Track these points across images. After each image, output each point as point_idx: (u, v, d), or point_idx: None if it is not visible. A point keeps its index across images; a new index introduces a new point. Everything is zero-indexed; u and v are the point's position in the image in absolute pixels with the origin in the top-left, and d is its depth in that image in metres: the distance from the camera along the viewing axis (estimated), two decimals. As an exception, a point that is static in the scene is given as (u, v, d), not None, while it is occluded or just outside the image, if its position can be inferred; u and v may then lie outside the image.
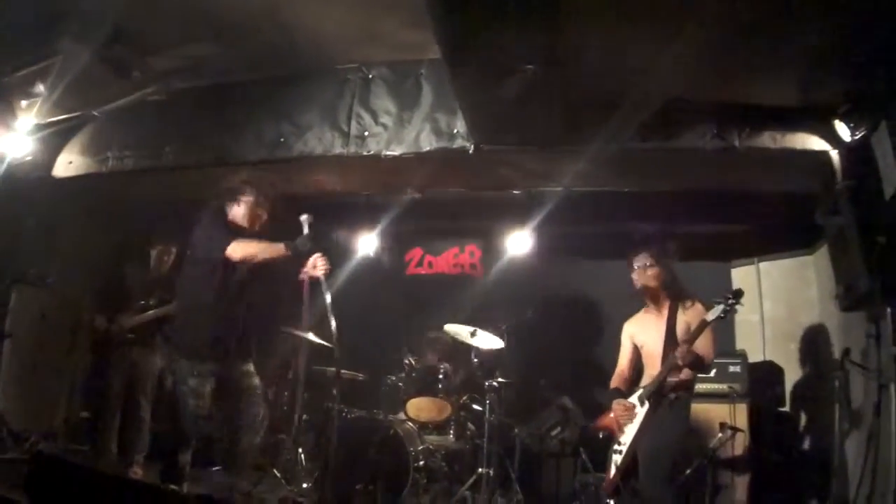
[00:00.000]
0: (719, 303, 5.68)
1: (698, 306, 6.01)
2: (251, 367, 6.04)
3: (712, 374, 6.97)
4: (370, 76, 7.21)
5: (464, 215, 9.37)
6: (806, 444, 7.69)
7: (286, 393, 8.53)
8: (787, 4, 4.70)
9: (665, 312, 6.09)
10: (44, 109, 6.93)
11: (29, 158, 7.49)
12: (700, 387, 6.55)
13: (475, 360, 8.05)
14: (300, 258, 5.60)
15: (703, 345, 5.77)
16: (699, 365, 5.79)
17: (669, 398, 5.85)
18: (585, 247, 9.46)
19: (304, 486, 7.40)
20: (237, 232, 5.81)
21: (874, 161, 5.72)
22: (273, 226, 6.06)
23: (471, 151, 6.77)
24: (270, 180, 6.23)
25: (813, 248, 8.08)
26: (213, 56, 6.94)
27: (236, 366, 5.92)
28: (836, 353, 7.14)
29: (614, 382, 6.29)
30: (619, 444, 6.03)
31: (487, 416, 7.56)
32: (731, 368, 7.69)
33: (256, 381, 6.03)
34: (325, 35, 6.66)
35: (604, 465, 6.35)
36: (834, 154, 6.20)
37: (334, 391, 8.23)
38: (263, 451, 7.42)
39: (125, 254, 8.62)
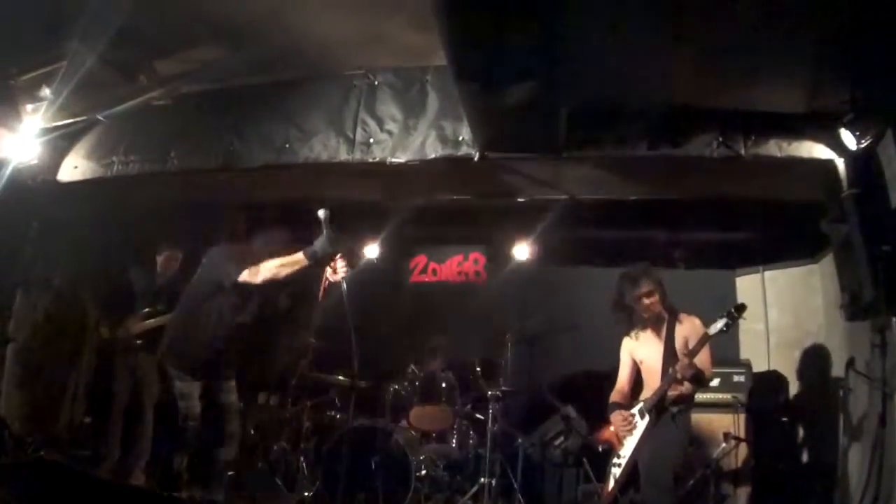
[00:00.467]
0: (721, 317, 5.67)
1: (694, 320, 6.00)
2: (232, 383, 6.08)
3: (716, 383, 6.96)
4: (376, 82, 7.21)
5: (468, 223, 9.37)
6: (809, 454, 7.66)
7: (289, 400, 8.50)
8: (788, 8, 4.70)
9: (663, 328, 6.07)
10: (49, 113, 6.92)
11: (34, 162, 7.49)
12: (704, 397, 6.54)
13: (478, 369, 8.04)
14: (324, 261, 5.56)
15: (701, 359, 5.75)
16: (699, 379, 5.77)
17: (671, 412, 5.82)
18: (590, 254, 9.44)
19: (306, 494, 7.39)
20: (244, 253, 5.82)
21: (880, 169, 5.72)
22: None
23: (476, 159, 6.75)
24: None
25: (818, 256, 8.06)
26: (219, 60, 6.94)
27: (218, 382, 5.94)
28: (841, 362, 7.09)
29: (614, 398, 6.25)
30: (619, 456, 6.00)
31: (490, 425, 7.55)
32: (736, 378, 7.67)
33: (234, 397, 6.09)
34: (331, 39, 6.66)
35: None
36: (840, 162, 6.17)
37: (336, 400, 8.31)
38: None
39: (130, 259, 8.63)
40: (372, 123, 7.12)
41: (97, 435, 8.15)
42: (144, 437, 7.61)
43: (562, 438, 8.07)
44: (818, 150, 6.26)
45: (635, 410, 5.96)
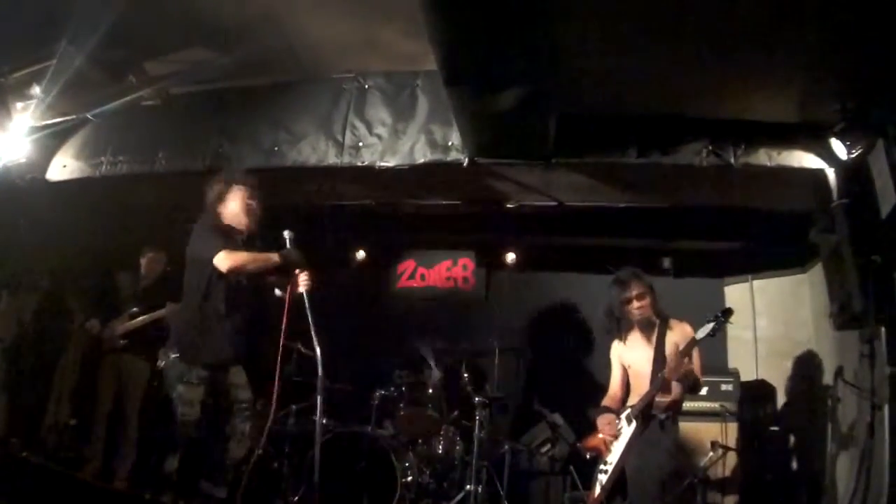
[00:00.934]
0: (709, 321, 5.65)
1: (685, 326, 5.96)
2: (244, 379, 5.99)
3: (704, 392, 6.94)
4: (366, 86, 7.21)
5: (457, 228, 9.35)
6: (797, 464, 7.65)
7: (272, 404, 8.45)
8: (781, 13, 4.70)
9: (654, 333, 6.03)
10: (39, 112, 6.91)
11: (23, 161, 7.47)
12: (692, 405, 6.53)
13: (465, 375, 8.00)
14: (290, 268, 5.57)
15: (691, 366, 5.73)
16: (690, 383, 5.74)
17: (658, 418, 5.79)
18: (579, 261, 9.42)
19: (291, 499, 7.34)
20: (230, 236, 5.78)
21: (870, 180, 5.72)
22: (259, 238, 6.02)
23: (465, 164, 6.75)
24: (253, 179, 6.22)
25: (807, 266, 8.06)
26: (209, 61, 6.94)
27: (228, 375, 5.88)
28: (830, 372, 7.10)
29: (605, 402, 6.21)
30: (606, 463, 5.93)
31: (477, 431, 7.50)
32: (724, 387, 7.66)
33: (248, 394, 5.98)
34: (323, 43, 6.67)
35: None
36: (830, 172, 6.20)
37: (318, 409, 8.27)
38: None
39: (117, 260, 8.60)
40: (361, 127, 7.11)
41: (82, 436, 8.10)
42: (129, 440, 7.57)
43: (549, 446, 8.05)
44: (808, 160, 6.28)
45: (622, 416, 5.93)
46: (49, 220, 8.51)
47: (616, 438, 5.86)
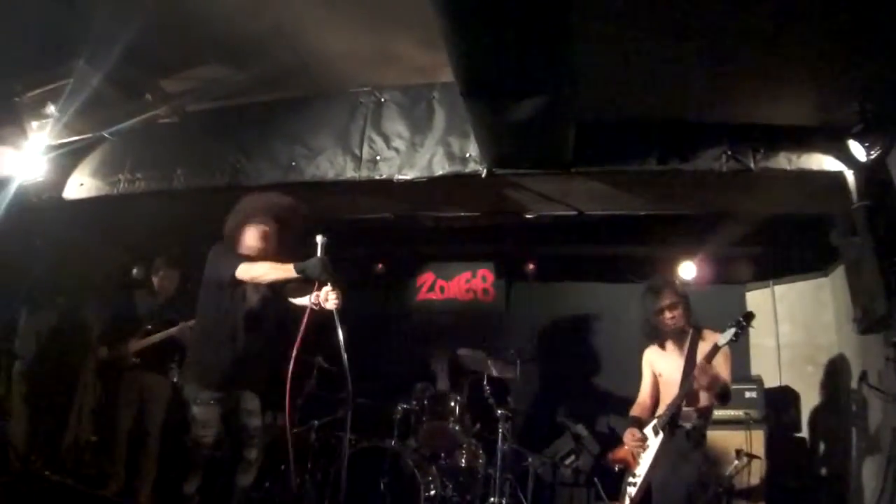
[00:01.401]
0: (731, 326, 5.62)
1: (717, 335, 5.92)
2: (256, 406, 6.00)
3: (727, 399, 6.92)
4: (382, 100, 7.20)
5: (476, 239, 9.34)
6: (823, 470, 7.60)
7: (296, 420, 8.44)
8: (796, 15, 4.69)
9: (686, 343, 6.01)
10: (55, 130, 6.93)
11: (40, 180, 7.50)
12: (716, 413, 6.46)
13: (487, 387, 7.98)
14: (310, 281, 5.45)
15: (721, 372, 5.69)
16: (720, 391, 5.69)
17: (685, 428, 5.76)
18: (600, 270, 9.40)
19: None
20: (249, 258, 5.79)
21: (890, 181, 5.68)
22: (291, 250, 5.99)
23: (483, 175, 6.72)
24: (285, 203, 6.20)
25: (829, 270, 8.01)
26: (226, 78, 6.94)
27: (242, 399, 5.88)
28: (854, 376, 7.06)
29: (635, 411, 6.19)
30: (634, 475, 5.90)
31: (500, 444, 7.47)
32: (748, 394, 7.62)
33: (258, 421, 5.99)
34: (337, 57, 6.66)
35: (618, 494, 6.25)
36: (849, 175, 6.15)
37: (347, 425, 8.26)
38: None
39: (134, 278, 8.63)
40: (379, 141, 7.10)
41: (103, 454, 8.11)
42: (150, 458, 7.57)
43: (573, 457, 8.02)
44: (828, 163, 6.24)
45: (649, 429, 5.88)
46: (66, 238, 8.55)
47: (644, 451, 5.82)
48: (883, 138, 5.66)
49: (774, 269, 8.76)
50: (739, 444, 7.22)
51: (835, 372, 7.63)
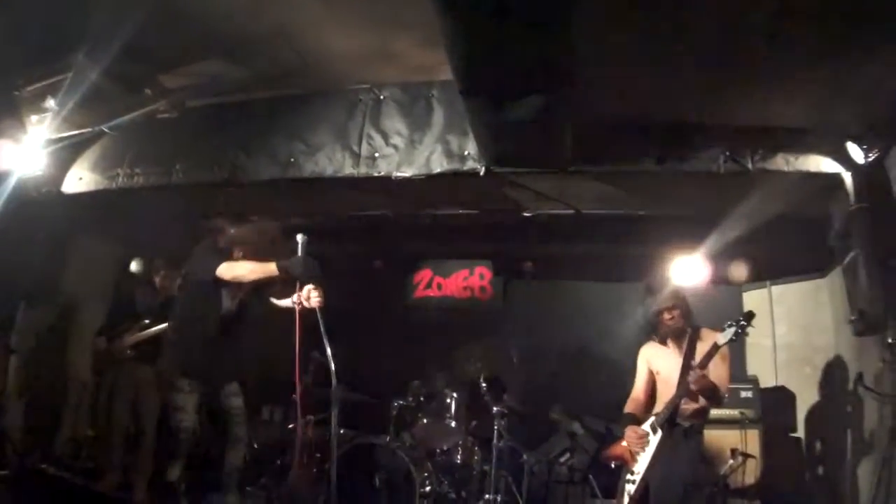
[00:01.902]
0: (730, 326, 5.63)
1: (716, 335, 5.94)
2: (236, 387, 6.10)
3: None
4: (382, 97, 7.20)
5: (474, 237, 9.35)
6: (818, 470, 7.61)
7: (291, 414, 8.45)
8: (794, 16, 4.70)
9: (684, 342, 6.03)
10: (54, 124, 6.93)
11: (39, 173, 7.48)
12: (712, 413, 6.48)
13: (483, 384, 7.98)
14: (292, 280, 5.60)
15: (717, 374, 5.72)
16: (712, 392, 5.72)
17: (683, 427, 5.78)
18: (597, 269, 9.40)
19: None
20: (231, 257, 5.89)
21: (888, 183, 5.69)
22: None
23: (482, 173, 6.72)
24: (265, 229, 6.30)
25: (826, 271, 8.01)
26: (225, 74, 6.93)
27: (221, 386, 5.94)
28: (850, 377, 7.06)
29: (629, 408, 6.22)
30: (632, 473, 5.92)
31: (495, 441, 7.49)
32: (743, 394, 7.66)
33: (240, 401, 6.10)
34: (337, 54, 6.65)
35: (612, 491, 6.27)
36: (847, 176, 6.15)
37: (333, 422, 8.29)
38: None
39: (132, 273, 8.65)
40: (377, 138, 7.10)
41: (99, 448, 8.12)
42: (146, 451, 7.58)
43: (568, 455, 8.02)
44: (826, 165, 6.25)
45: (647, 426, 5.90)
46: (65, 232, 8.55)
47: (643, 450, 5.83)
48: (881, 140, 5.67)
49: (772, 270, 8.76)
50: (735, 444, 7.26)
51: (831, 373, 7.63)
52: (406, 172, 6.94)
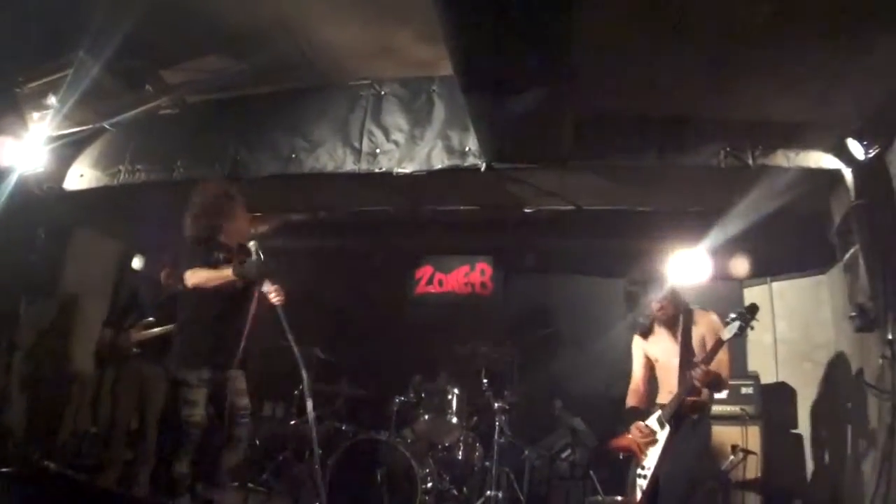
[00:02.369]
0: (735, 319, 5.58)
1: (710, 316, 5.91)
2: (243, 385, 6.09)
3: (724, 395, 6.92)
4: (382, 92, 7.21)
5: (475, 233, 9.35)
6: (819, 466, 7.60)
7: (293, 410, 8.45)
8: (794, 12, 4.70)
9: (678, 326, 5.98)
10: (55, 121, 6.92)
11: (40, 170, 7.50)
12: (713, 409, 6.47)
13: (484, 380, 7.98)
14: (250, 281, 5.73)
15: (719, 362, 5.67)
16: (717, 384, 5.70)
17: (691, 419, 5.75)
18: (597, 265, 9.39)
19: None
20: (213, 251, 5.96)
21: (888, 179, 5.68)
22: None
23: (482, 169, 6.73)
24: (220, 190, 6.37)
25: (826, 267, 7.98)
26: (226, 69, 6.94)
27: (230, 380, 5.95)
28: (851, 374, 7.04)
29: (630, 399, 6.16)
30: (644, 467, 5.83)
31: (496, 437, 7.50)
32: (744, 390, 7.64)
33: (247, 401, 6.08)
34: (338, 50, 6.67)
35: (614, 487, 6.26)
36: (848, 172, 6.15)
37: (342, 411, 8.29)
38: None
39: (134, 269, 8.66)
40: (378, 133, 7.11)
41: (101, 444, 8.13)
42: (148, 446, 7.59)
43: (569, 451, 8.02)
44: (826, 161, 6.24)
45: (653, 421, 5.84)
46: (67, 229, 8.55)
47: (653, 445, 5.80)
48: (881, 136, 5.66)
49: (772, 266, 8.74)
50: (735, 440, 7.25)
51: (832, 369, 7.61)
52: (407, 168, 6.95)
